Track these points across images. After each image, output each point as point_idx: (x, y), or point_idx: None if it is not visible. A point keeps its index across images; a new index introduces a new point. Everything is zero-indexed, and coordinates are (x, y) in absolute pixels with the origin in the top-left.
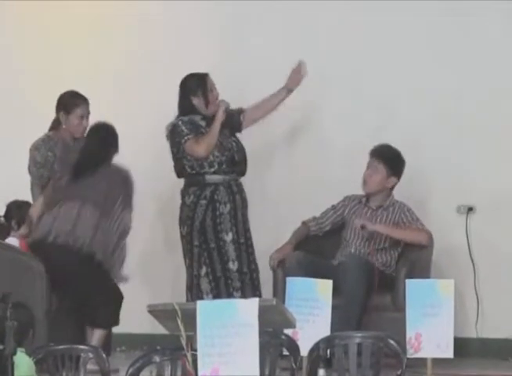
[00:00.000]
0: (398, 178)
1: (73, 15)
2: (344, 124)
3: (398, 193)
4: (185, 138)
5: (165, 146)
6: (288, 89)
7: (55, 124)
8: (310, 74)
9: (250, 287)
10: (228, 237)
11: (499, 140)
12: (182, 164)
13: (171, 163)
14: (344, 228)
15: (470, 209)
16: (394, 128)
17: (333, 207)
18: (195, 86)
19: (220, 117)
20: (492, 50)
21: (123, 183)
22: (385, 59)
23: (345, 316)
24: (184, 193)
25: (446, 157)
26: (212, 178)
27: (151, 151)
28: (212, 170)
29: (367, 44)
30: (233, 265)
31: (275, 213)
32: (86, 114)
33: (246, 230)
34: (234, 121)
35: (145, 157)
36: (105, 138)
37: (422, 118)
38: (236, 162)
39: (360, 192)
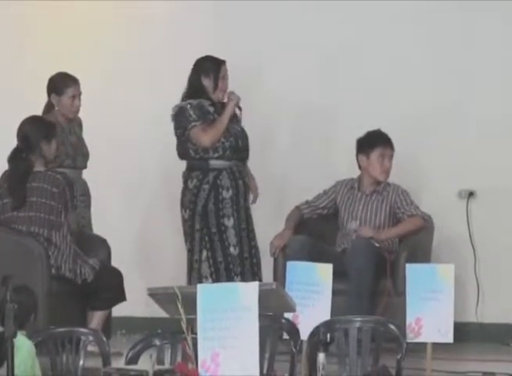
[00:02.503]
0: None
1: (72, 15)
2: (343, 110)
3: (399, 178)
4: (192, 124)
5: (163, 142)
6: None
7: (48, 108)
8: (310, 62)
9: (251, 273)
10: (230, 223)
11: (500, 124)
12: (186, 147)
13: (166, 154)
14: (340, 215)
15: (471, 194)
16: (393, 112)
17: (325, 192)
18: (208, 67)
19: (230, 110)
20: (491, 37)
21: (60, 191)
22: (383, 45)
23: (357, 301)
24: (187, 177)
25: (447, 141)
26: (216, 163)
27: (151, 148)
28: (216, 155)
29: (366, 31)
30: (234, 251)
31: (276, 199)
32: (77, 94)
33: (248, 216)
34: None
35: (140, 149)
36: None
37: (422, 102)
38: (240, 148)
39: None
